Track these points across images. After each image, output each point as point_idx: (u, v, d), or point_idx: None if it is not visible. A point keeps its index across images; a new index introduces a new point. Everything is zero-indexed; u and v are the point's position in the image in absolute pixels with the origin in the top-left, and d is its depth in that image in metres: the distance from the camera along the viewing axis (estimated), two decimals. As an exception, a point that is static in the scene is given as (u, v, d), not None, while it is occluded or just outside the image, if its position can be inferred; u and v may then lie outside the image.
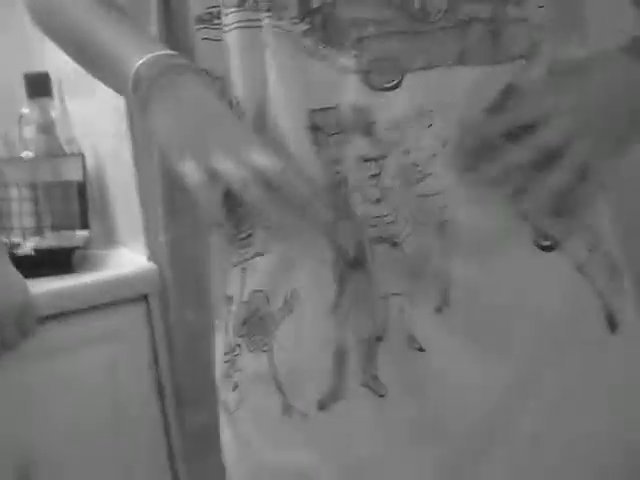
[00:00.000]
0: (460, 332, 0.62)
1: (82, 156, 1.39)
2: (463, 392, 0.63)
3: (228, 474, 0.74)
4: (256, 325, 0.66)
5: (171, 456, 1.30)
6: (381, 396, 0.63)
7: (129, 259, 1.32)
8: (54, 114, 1.46)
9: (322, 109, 0.59)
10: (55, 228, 1.38)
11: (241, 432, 0.70)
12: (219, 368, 0.72)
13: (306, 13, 0.57)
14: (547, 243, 0.62)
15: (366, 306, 0.62)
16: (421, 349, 0.62)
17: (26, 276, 1.11)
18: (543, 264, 0.62)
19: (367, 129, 0.58)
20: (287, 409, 0.66)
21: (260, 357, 0.66)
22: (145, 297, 1.25)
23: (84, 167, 1.38)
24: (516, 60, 0.59)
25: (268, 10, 0.59)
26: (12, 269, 1.10)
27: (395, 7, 0.56)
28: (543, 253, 0.61)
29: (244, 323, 0.67)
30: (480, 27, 0.57)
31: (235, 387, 0.69)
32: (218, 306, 0.72)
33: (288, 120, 0.60)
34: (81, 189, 1.37)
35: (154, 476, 1.29)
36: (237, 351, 0.69)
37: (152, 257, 1.26)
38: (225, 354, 0.70)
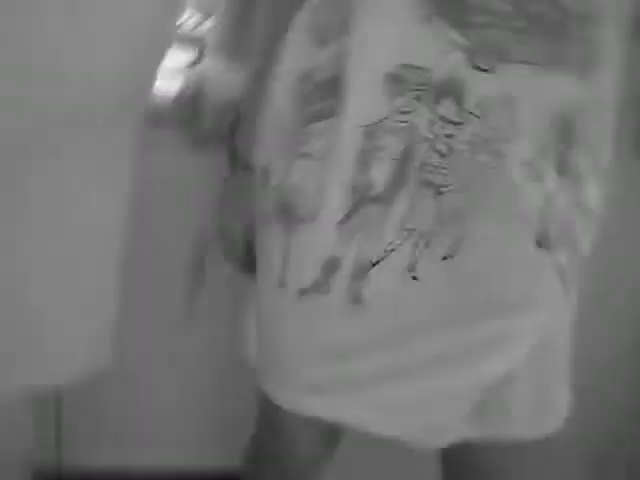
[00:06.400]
0: (461, 283, 0.68)
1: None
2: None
3: None
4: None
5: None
6: (357, 304, 0.70)
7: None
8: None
9: (413, 66, 0.64)
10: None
11: None
12: None
13: None
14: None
15: (373, 232, 0.68)
16: (415, 278, 0.69)
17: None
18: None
19: (459, 98, 0.64)
20: (282, 283, 0.74)
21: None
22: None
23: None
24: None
25: None
26: None
27: (513, 5, 0.63)
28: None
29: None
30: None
31: None
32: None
33: (368, 64, 0.65)
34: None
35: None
36: None
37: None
38: None
